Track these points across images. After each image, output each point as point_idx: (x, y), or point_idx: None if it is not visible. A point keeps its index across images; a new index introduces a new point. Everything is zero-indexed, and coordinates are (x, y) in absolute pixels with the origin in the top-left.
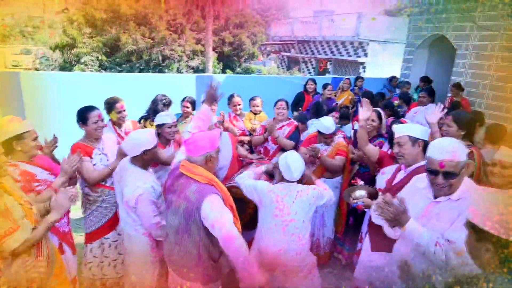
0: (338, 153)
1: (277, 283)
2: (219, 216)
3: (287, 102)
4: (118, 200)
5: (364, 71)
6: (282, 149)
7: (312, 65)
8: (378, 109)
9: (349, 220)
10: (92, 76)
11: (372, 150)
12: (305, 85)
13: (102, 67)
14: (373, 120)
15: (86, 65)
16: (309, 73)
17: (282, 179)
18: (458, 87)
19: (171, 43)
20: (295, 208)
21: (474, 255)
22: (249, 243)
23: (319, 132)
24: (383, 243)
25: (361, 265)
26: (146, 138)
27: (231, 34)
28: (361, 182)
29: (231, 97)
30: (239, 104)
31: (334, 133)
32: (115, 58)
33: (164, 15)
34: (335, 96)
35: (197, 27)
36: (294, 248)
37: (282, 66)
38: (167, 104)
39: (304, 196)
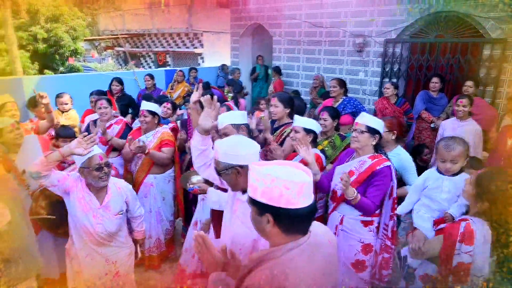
0: (164, 145)
1: None
2: None
3: (108, 100)
4: None
5: (203, 61)
6: (114, 149)
7: (151, 58)
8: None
9: (192, 209)
10: None
11: None
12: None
13: None
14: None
15: None
16: (149, 67)
17: None
18: (276, 70)
19: None
20: None
21: (257, 225)
22: None
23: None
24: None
25: None
26: None
27: (44, 29)
28: None
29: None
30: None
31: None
32: None
33: None
34: (172, 89)
35: None
36: None
37: (118, 62)
38: None
39: None
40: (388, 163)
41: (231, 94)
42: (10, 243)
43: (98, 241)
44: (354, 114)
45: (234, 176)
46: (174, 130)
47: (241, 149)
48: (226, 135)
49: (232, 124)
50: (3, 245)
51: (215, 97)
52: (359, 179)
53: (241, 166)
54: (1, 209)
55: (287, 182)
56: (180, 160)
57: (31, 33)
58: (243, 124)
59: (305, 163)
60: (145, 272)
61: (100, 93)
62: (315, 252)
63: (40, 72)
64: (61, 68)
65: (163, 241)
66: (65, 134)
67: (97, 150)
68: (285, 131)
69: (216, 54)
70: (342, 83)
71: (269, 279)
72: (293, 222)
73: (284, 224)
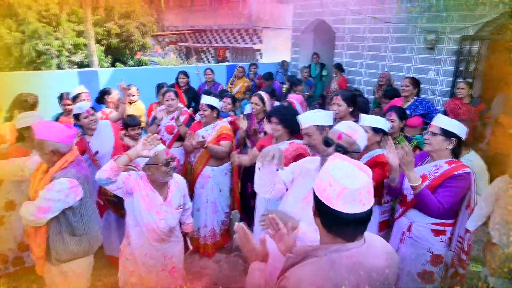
0: (223, 138)
1: None
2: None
3: (175, 92)
4: None
5: (261, 58)
6: (179, 139)
7: (211, 54)
8: (260, 92)
9: (251, 203)
10: None
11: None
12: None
13: None
14: (256, 104)
15: None
16: (209, 62)
17: None
18: (338, 67)
19: (46, 37)
20: None
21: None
22: None
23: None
24: None
25: None
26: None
27: (117, 25)
28: None
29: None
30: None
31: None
32: None
33: (34, 5)
34: (232, 84)
35: (76, 18)
36: None
37: (180, 56)
38: (30, 106)
39: None
40: (468, 170)
41: None
42: (80, 217)
43: (160, 237)
44: (425, 116)
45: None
46: (233, 123)
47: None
48: (308, 136)
49: (315, 126)
50: (75, 219)
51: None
52: (432, 184)
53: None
54: (76, 186)
55: (332, 179)
56: (241, 154)
57: (106, 28)
58: (327, 126)
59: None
60: (200, 260)
61: (170, 86)
62: (362, 262)
63: (112, 65)
64: (130, 62)
65: (218, 231)
66: (132, 123)
67: (161, 146)
68: None
69: (274, 50)
70: (415, 82)
71: (306, 277)
72: (332, 222)
73: (324, 220)
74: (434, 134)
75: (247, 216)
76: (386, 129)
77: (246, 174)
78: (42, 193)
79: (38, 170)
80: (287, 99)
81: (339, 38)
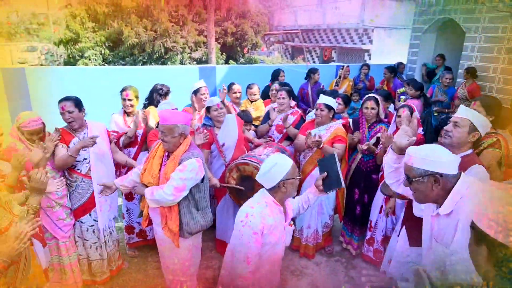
0: (337, 140)
1: None
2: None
3: (287, 91)
4: None
5: (370, 58)
6: (287, 138)
7: (316, 53)
8: (375, 95)
9: (356, 209)
10: (95, 70)
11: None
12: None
13: (105, 61)
14: (372, 108)
15: (89, 59)
16: (314, 62)
17: None
18: (471, 72)
19: (174, 35)
20: None
21: (473, 257)
22: None
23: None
24: (421, 238)
25: (396, 261)
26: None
27: (234, 24)
28: None
29: (231, 84)
30: (239, 92)
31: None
32: (118, 52)
33: (166, 7)
34: (337, 85)
35: (199, 18)
36: None
37: (286, 55)
38: (163, 94)
39: None
40: None
41: (403, 97)
42: (202, 193)
43: (281, 260)
44: None
45: (429, 185)
46: (345, 126)
47: (443, 155)
48: (455, 126)
49: (470, 122)
50: (199, 194)
51: (415, 113)
52: None
53: (440, 175)
54: (201, 165)
55: (484, 205)
56: (349, 159)
57: (224, 27)
58: (478, 131)
59: None
60: (300, 260)
61: (282, 84)
62: None
63: (226, 62)
64: (241, 60)
65: (321, 233)
66: (245, 119)
67: (290, 160)
68: (483, 142)
69: (384, 51)
70: None
71: None
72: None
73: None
74: None
75: (351, 221)
76: None
77: (354, 179)
78: (177, 175)
79: (154, 157)
80: (407, 103)
81: (469, 39)
